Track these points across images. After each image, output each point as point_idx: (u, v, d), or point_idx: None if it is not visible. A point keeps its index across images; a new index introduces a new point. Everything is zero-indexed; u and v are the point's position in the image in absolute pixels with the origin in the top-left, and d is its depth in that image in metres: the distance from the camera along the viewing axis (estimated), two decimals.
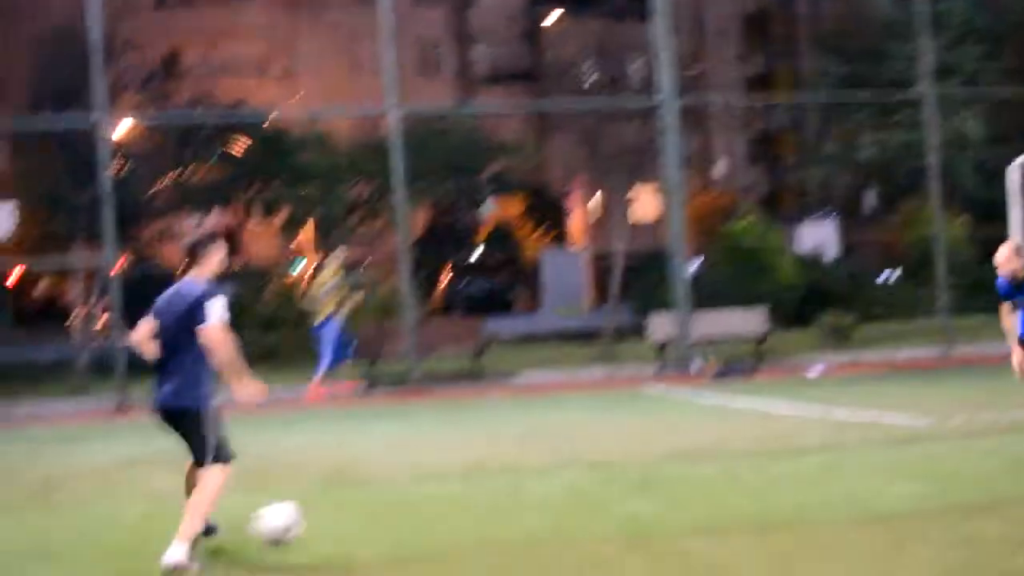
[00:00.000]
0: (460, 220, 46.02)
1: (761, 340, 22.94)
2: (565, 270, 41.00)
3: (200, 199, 33.72)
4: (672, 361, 22.18)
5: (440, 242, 42.55)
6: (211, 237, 8.15)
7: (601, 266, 41.23)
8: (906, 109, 29.01)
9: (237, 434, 8.17)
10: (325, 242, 38.88)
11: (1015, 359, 11.03)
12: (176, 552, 7.52)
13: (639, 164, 25.86)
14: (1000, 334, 11.46)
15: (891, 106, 30.13)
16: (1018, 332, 11.48)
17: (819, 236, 38.90)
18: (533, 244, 49.58)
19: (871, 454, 11.04)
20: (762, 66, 65.90)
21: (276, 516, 8.02)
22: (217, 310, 7.72)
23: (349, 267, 19.86)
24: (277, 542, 7.94)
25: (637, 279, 31.45)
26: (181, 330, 7.78)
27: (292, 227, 39.40)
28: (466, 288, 41.42)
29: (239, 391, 7.81)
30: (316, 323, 19.71)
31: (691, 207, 47.74)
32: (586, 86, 25.58)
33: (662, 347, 22.51)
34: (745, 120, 67.38)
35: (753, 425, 14.01)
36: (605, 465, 11.22)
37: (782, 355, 23.16)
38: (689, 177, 49.38)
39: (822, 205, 52.99)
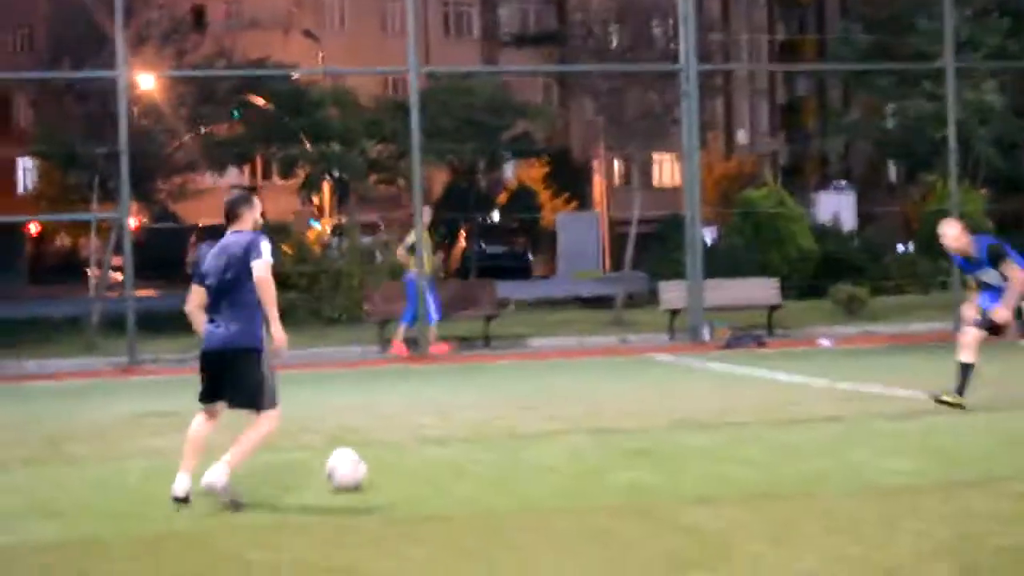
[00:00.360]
0: (480, 182, 45.95)
1: (773, 310, 22.95)
2: (582, 234, 40.92)
3: (219, 156, 33.74)
4: (683, 329, 22.21)
5: (459, 204, 42.52)
6: (247, 197, 8.53)
7: (620, 231, 41.22)
8: (928, 81, 28.87)
9: None
10: (343, 203, 38.94)
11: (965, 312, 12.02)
12: (218, 473, 7.84)
13: (661, 129, 25.76)
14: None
15: (914, 77, 29.96)
16: (978, 303, 11.82)
17: (837, 206, 38.73)
18: (554, 208, 49.49)
19: (872, 427, 11.10)
20: (789, 33, 65.43)
21: (344, 462, 8.49)
22: (267, 250, 8.09)
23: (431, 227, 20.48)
24: (349, 486, 8.42)
25: (654, 245, 31.42)
26: (239, 274, 8.07)
27: (310, 186, 39.41)
28: (483, 251, 41.38)
29: (275, 334, 8.15)
30: (407, 277, 20.43)
31: (711, 173, 47.70)
32: (610, 50, 25.40)
33: (674, 315, 22.54)
34: (769, 87, 67.01)
35: (759, 395, 14.06)
36: (608, 432, 11.29)
37: (794, 325, 23.16)
38: (710, 143, 49.32)
39: (842, 175, 52.82)
